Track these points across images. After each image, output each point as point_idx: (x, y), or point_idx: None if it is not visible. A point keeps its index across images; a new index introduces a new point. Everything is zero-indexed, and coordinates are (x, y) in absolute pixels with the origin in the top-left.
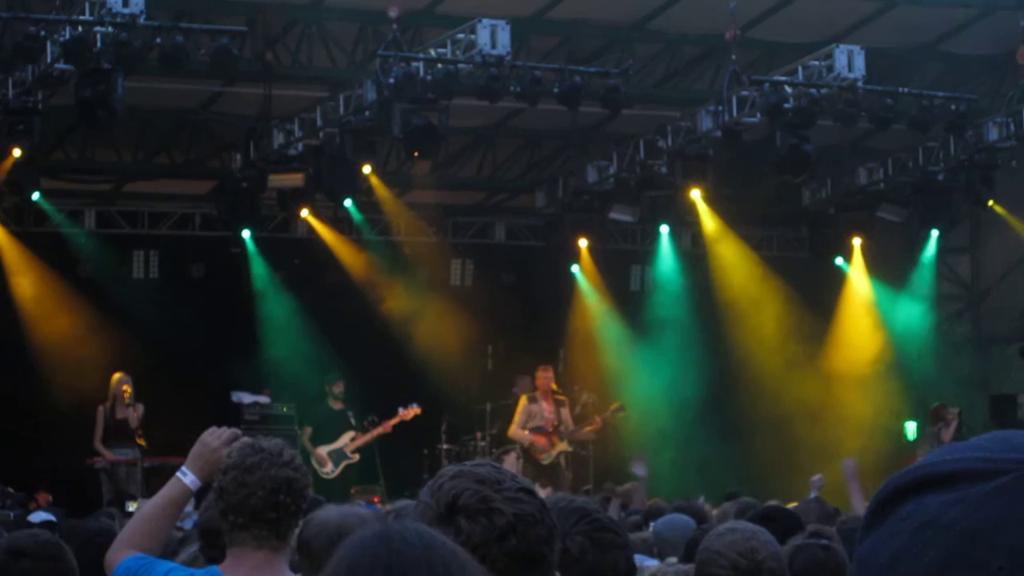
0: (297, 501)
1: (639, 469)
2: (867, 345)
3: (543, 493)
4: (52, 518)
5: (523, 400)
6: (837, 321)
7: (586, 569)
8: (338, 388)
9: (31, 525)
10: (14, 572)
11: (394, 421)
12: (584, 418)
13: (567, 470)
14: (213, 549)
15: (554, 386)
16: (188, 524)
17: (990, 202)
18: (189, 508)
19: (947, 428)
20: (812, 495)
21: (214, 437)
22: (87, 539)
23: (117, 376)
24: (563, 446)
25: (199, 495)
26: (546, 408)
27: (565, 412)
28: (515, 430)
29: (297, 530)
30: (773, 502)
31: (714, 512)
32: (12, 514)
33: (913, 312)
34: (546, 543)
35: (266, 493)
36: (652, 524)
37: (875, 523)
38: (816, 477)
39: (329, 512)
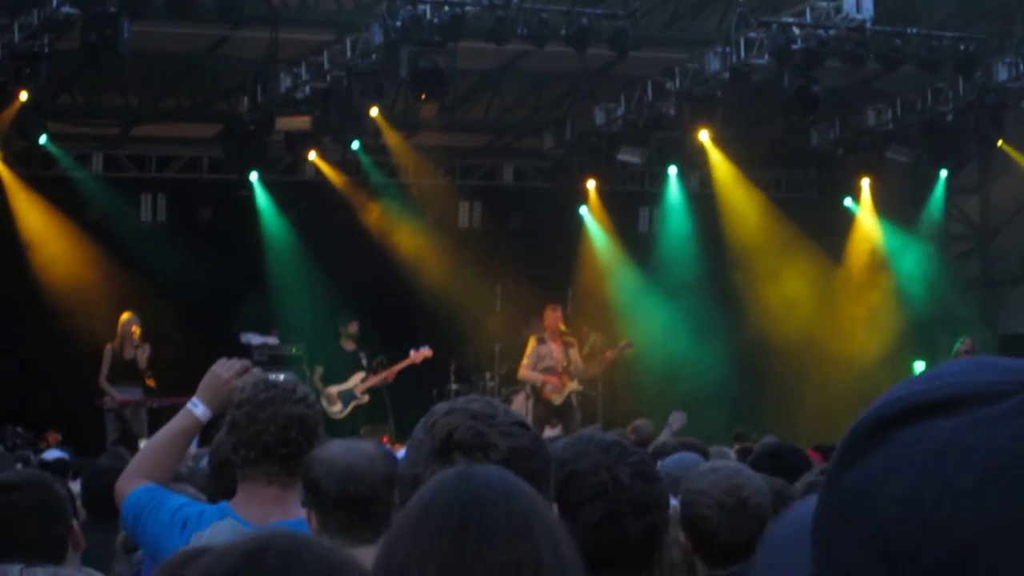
0: (309, 438)
1: (675, 423)
2: (875, 286)
3: (555, 432)
4: (65, 456)
5: (532, 341)
6: (845, 262)
7: (634, 499)
8: (353, 328)
9: (44, 463)
10: (7, 505)
11: (405, 363)
12: (592, 358)
13: (578, 409)
14: (223, 482)
15: (563, 326)
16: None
17: (999, 142)
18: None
19: None
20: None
21: (225, 368)
22: (98, 475)
23: (126, 316)
24: (574, 385)
25: (205, 431)
26: (555, 349)
27: (574, 352)
28: (525, 371)
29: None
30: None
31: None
32: (29, 453)
33: (921, 252)
34: (542, 474)
35: (278, 429)
36: (660, 462)
37: (864, 453)
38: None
39: (333, 450)
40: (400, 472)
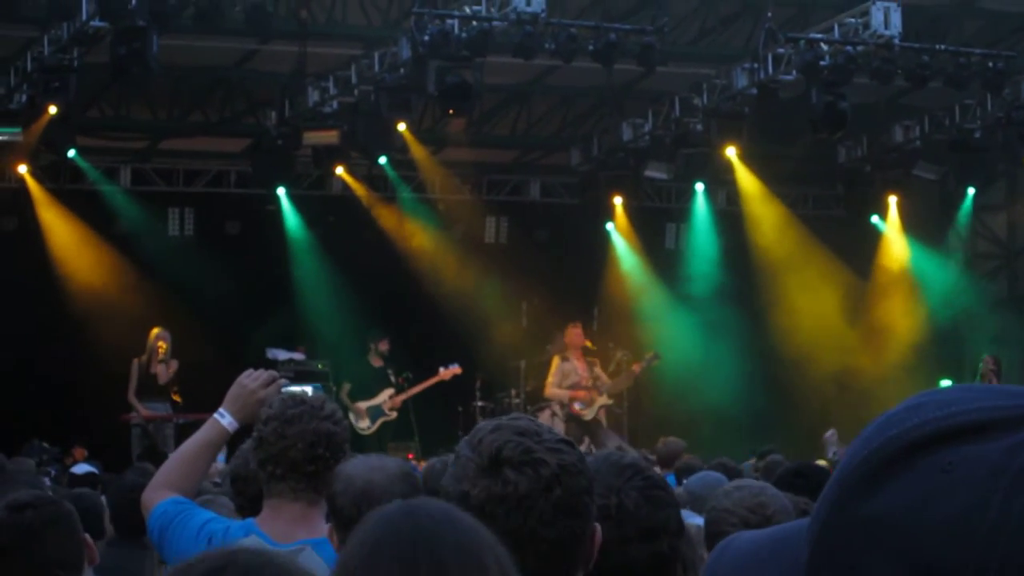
0: (336, 455)
1: (832, 448)
2: (902, 303)
3: (583, 448)
4: (94, 470)
5: (556, 360)
6: (872, 279)
7: (640, 523)
8: (383, 346)
9: (74, 477)
10: (20, 523)
11: (434, 380)
12: (619, 374)
13: (605, 425)
14: (241, 497)
15: (588, 343)
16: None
17: None
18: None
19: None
20: (830, 452)
21: (252, 379)
22: (124, 491)
23: (156, 331)
24: (603, 400)
25: (231, 444)
26: (579, 366)
27: (598, 370)
28: (552, 390)
29: None
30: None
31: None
32: (55, 469)
33: (949, 270)
34: (587, 493)
35: (305, 446)
36: (684, 481)
37: (887, 478)
38: (829, 433)
39: (356, 466)
40: (445, 488)
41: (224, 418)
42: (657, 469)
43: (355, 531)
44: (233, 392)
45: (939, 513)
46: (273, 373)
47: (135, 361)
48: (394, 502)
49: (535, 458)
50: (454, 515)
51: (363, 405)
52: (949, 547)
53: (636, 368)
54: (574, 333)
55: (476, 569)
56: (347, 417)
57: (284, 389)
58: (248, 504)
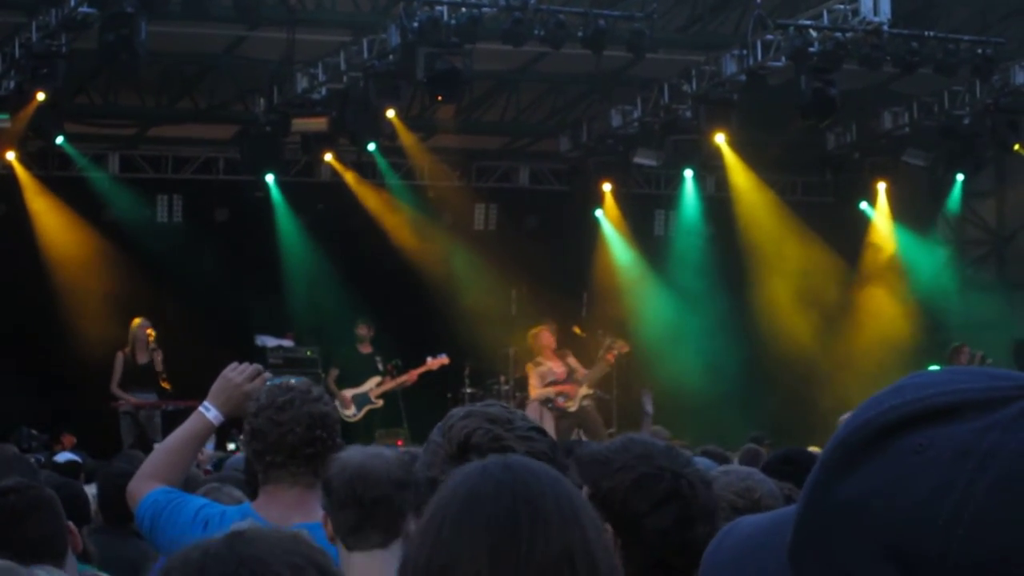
0: (332, 436)
1: (647, 404)
2: (890, 290)
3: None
4: (76, 458)
5: (530, 368)
6: (861, 266)
7: (702, 504)
8: (363, 330)
9: (56, 465)
10: (3, 507)
11: (421, 370)
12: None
13: (598, 415)
14: (254, 483)
15: (577, 330)
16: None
17: (1016, 146)
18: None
19: None
20: None
21: (236, 372)
22: (113, 479)
23: (137, 321)
24: (584, 390)
25: (220, 435)
26: (553, 365)
27: (572, 360)
28: (536, 392)
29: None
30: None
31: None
32: (42, 456)
33: (937, 256)
34: None
35: (303, 429)
36: None
37: (860, 462)
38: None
39: (352, 453)
40: (416, 475)
41: (209, 411)
42: None
43: (447, 481)
44: (218, 385)
45: (907, 496)
46: (258, 367)
47: (119, 354)
48: (489, 456)
49: (503, 446)
50: (552, 472)
51: (348, 393)
52: (915, 530)
53: (611, 357)
54: (544, 335)
55: (576, 526)
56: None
57: (268, 382)
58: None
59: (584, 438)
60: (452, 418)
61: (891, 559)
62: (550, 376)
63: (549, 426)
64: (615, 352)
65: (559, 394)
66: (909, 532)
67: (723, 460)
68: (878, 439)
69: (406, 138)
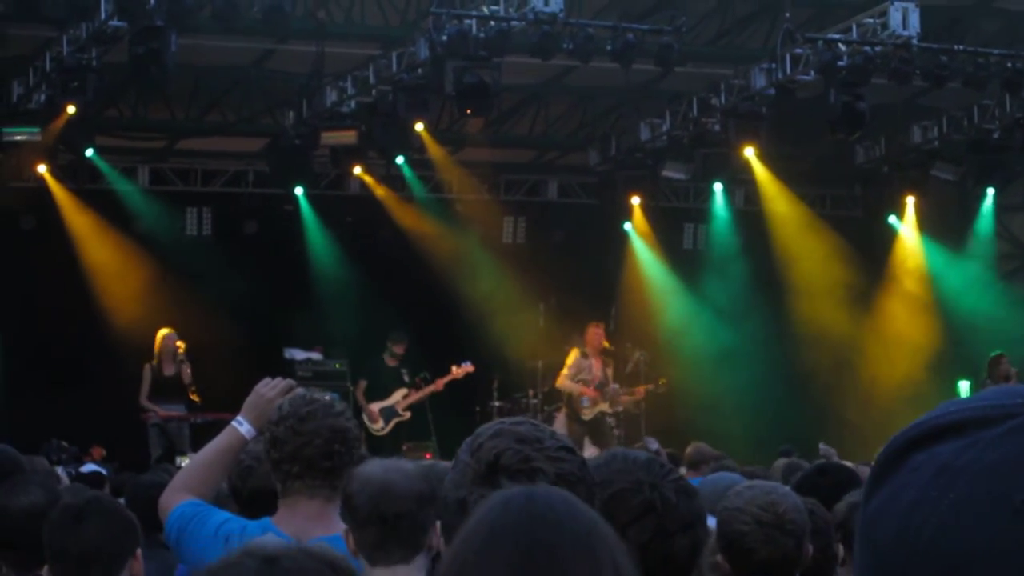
0: (351, 451)
1: (651, 444)
2: (920, 304)
3: (590, 451)
4: (102, 470)
5: (575, 352)
6: (890, 280)
7: (680, 515)
8: (399, 348)
9: (81, 476)
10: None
11: (446, 379)
12: (636, 376)
13: (617, 428)
14: (240, 485)
15: (606, 344)
16: None
17: None
18: None
19: (1007, 384)
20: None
21: (269, 387)
22: (141, 492)
23: (164, 332)
24: (604, 406)
25: None
26: (595, 365)
27: (609, 372)
28: (564, 381)
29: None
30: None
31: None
32: (70, 469)
33: (968, 271)
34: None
35: (322, 442)
36: (694, 481)
37: (883, 480)
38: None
39: (373, 467)
40: (444, 494)
41: (242, 426)
42: (683, 470)
43: (474, 512)
44: (251, 400)
45: (895, 511)
46: (291, 382)
47: (147, 366)
48: (513, 488)
49: (533, 467)
50: (574, 505)
51: (376, 407)
52: (894, 549)
53: (641, 391)
54: (595, 333)
55: (590, 561)
56: (360, 417)
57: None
58: (248, 494)
59: (594, 449)
60: (481, 436)
61: (880, 571)
62: (586, 373)
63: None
64: (650, 388)
65: (583, 395)
66: (890, 548)
67: (749, 475)
68: (897, 457)
69: (434, 151)
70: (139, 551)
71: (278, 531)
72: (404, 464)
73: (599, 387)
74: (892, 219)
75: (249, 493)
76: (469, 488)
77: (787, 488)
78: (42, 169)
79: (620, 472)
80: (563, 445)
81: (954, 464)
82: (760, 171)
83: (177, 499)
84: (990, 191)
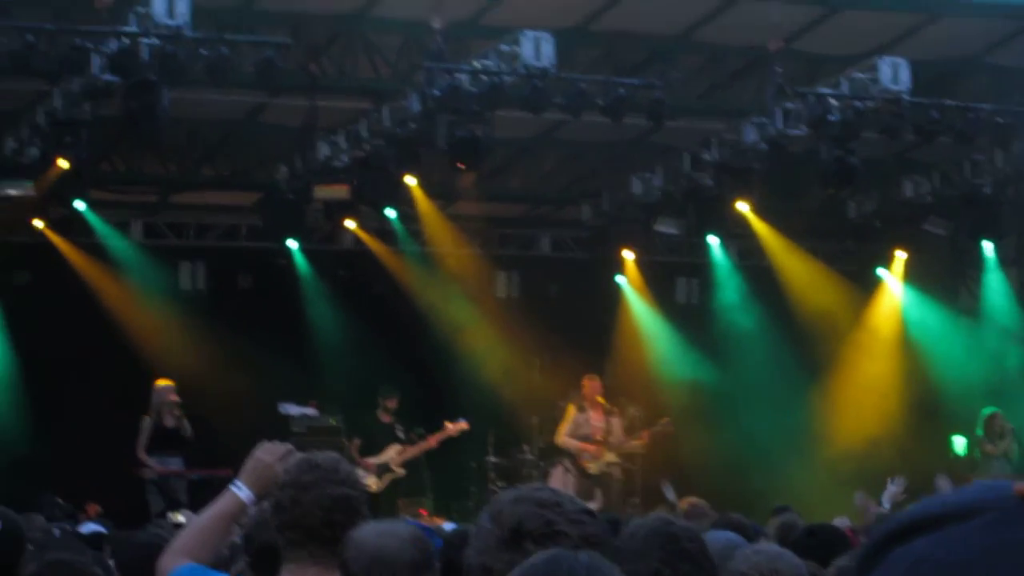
0: (353, 519)
1: (669, 493)
2: (913, 359)
3: (596, 504)
4: (102, 530)
5: (571, 409)
6: (881, 334)
7: None
8: (391, 403)
9: (80, 536)
10: None
11: (440, 436)
12: (631, 431)
13: (618, 481)
14: (263, 564)
15: (600, 399)
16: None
17: None
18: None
19: (1002, 441)
20: (884, 504)
21: (268, 453)
22: (136, 551)
23: (162, 383)
24: (611, 457)
25: None
26: (594, 417)
27: (615, 421)
28: (563, 438)
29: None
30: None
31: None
32: (66, 526)
33: (961, 326)
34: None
35: (322, 512)
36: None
37: (866, 569)
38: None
39: (367, 532)
40: (467, 561)
41: (241, 491)
42: None
43: (522, 570)
44: (249, 465)
45: None
46: (289, 447)
47: (145, 417)
48: (539, 553)
49: (556, 531)
50: (595, 567)
51: (371, 461)
52: None
53: (646, 434)
54: (591, 385)
55: None
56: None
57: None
58: (258, 548)
59: (602, 503)
60: (501, 503)
61: None
62: (586, 428)
63: (571, 489)
64: (655, 431)
65: (583, 452)
66: None
67: (748, 531)
68: (880, 548)
69: (425, 205)
70: None
71: None
72: (397, 527)
73: (603, 438)
74: (880, 271)
75: (259, 547)
76: (494, 554)
77: (791, 553)
78: (39, 224)
79: (644, 543)
80: (583, 508)
81: (929, 557)
82: (758, 225)
83: (175, 562)
84: (988, 244)
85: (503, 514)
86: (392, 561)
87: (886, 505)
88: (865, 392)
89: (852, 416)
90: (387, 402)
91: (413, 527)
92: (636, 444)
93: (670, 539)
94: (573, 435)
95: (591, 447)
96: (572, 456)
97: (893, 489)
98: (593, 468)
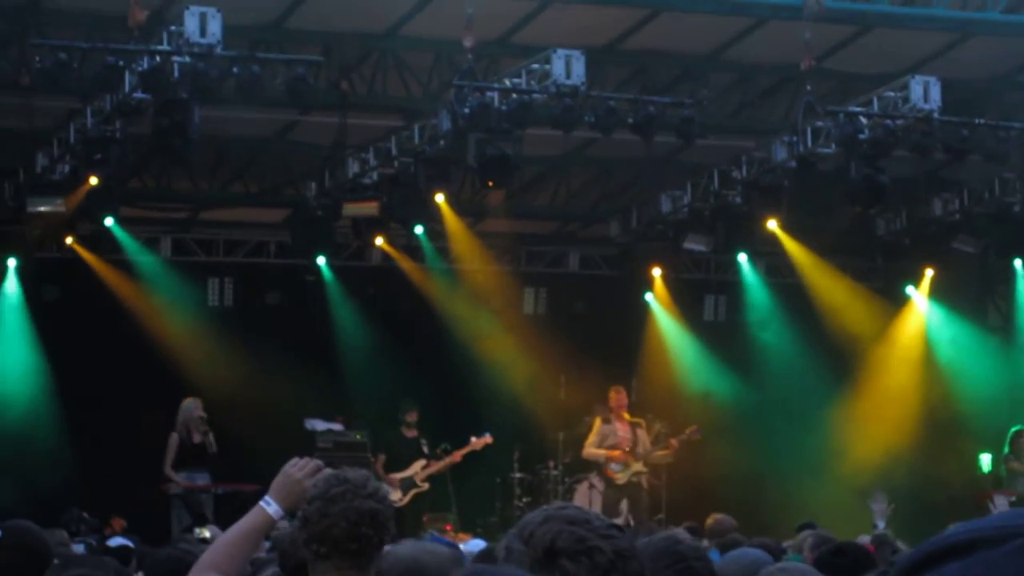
0: (380, 533)
1: (877, 505)
2: (940, 377)
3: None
4: (129, 543)
5: (598, 421)
6: (911, 352)
7: None
8: (411, 417)
9: (109, 550)
10: None
11: (465, 451)
12: (658, 445)
13: (645, 492)
14: (284, 566)
15: (626, 415)
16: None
17: None
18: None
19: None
20: (878, 525)
21: (297, 468)
22: (164, 565)
23: (188, 401)
24: (638, 467)
25: None
26: (620, 428)
27: (642, 433)
28: (589, 449)
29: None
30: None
31: (787, 543)
32: (92, 540)
33: (990, 344)
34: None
35: (349, 525)
36: (726, 555)
37: None
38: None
39: (404, 547)
40: None
41: (270, 506)
42: (705, 542)
43: None
44: (279, 481)
45: None
46: (319, 463)
47: (173, 434)
48: (468, 566)
49: (590, 546)
50: None
51: (396, 476)
52: None
53: (675, 442)
54: (618, 396)
55: None
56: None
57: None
58: (294, 565)
59: (629, 513)
60: (530, 525)
61: None
62: (612, 439)
63: (597, 504)
64: (683, 439)
65: (610, 460)
66: None
67: (776, 551)
68: (912, 573)
69: (452, 223)
70: None
71: None
72: (436, 546)
73: (630, 449)
74: (909, 289)
75: (295, 564)
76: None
77: (814, 571)
78: (69, 240)
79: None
80: (611, 523)
81: None
82: (787, 242)
83: None
84: (1017, 262)
85: (535, 535)
86: (428, 573)
87: (880, 526)
88: (890, 409)
89: (877, 433)
90: (408, 416)
91: (449, 547)
92: (664, 453)
93: (678, 558)
94: (599, 446)
95: (619, 454)
96: (599, 468)
97: (878, 508)
98: (621, 478)
